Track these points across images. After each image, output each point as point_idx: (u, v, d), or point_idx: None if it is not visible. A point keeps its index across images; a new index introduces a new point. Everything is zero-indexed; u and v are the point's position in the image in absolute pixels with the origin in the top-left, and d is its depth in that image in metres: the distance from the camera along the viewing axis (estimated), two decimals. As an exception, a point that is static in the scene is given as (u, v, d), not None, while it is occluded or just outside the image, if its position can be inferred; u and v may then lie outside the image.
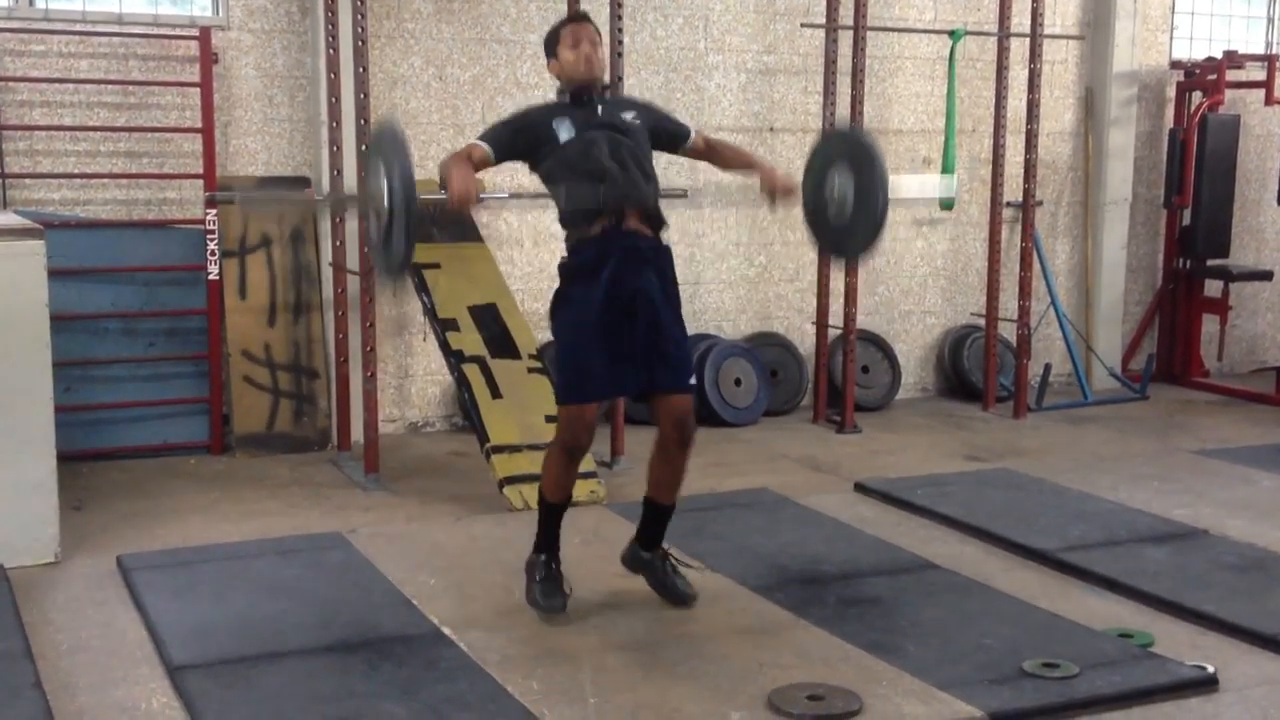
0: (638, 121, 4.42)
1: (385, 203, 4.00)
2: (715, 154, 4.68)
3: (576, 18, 4.57)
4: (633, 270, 4.23)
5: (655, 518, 4.52)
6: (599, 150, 4.24)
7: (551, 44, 4.42)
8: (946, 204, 7.50)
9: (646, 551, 4.54)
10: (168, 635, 4.14)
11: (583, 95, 4.36)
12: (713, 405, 7.40)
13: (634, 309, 4.21)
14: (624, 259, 4.22)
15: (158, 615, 4.31)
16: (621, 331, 4.21)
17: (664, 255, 4.35)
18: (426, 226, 6.63)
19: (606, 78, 4.70)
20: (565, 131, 4.29)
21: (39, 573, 4.80)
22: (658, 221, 4.37)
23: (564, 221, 4.35)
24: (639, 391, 4.35)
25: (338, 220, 6.38)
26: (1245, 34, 9.29)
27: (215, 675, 3.85)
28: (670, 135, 4.56)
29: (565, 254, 4.35)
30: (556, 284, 4.36)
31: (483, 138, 4.32)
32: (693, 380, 4.38)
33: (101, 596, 4.59)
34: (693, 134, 4.60)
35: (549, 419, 4.96)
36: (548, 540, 4.42)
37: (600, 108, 4.38)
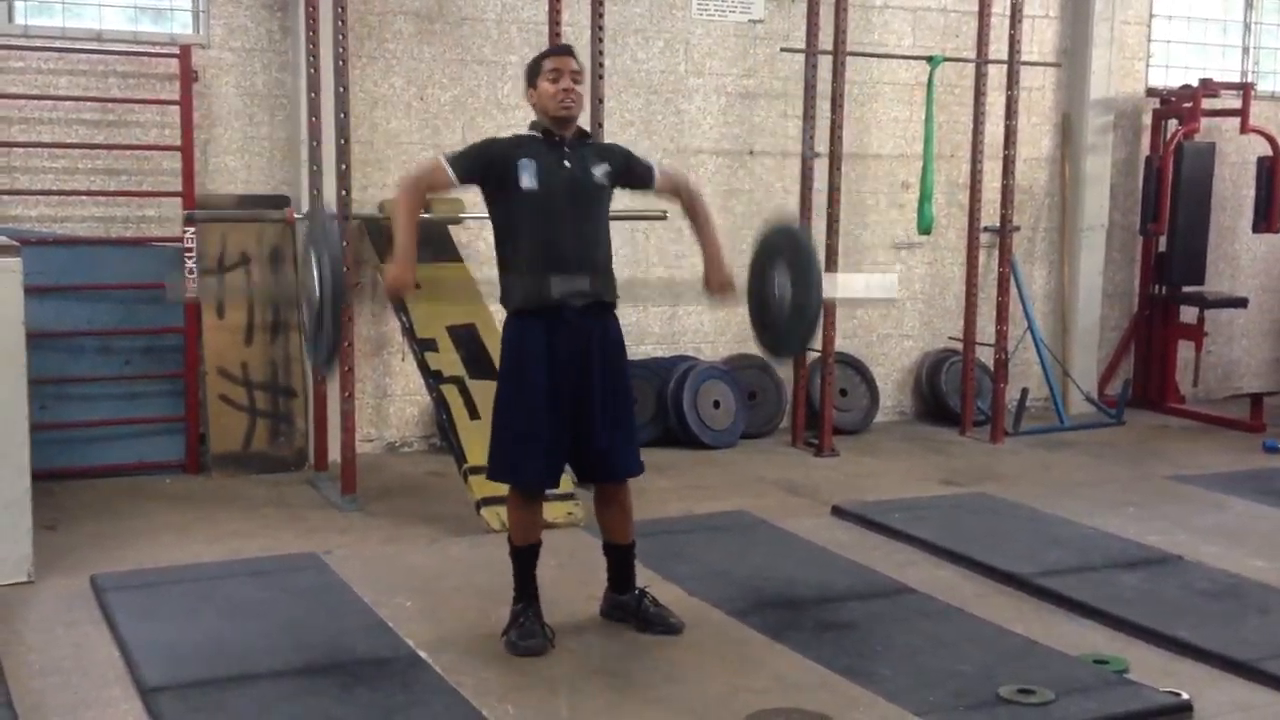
0: (605, 181, 4.29)
1: (316, 292, 4.08)
2: (682, 204, 4.58)
3: (560, 50, 4.42)
4: (575, 360, 4.20)
5: (619, 560, 4.53)
6: (558, 233, 4.17)
7: (532, 73, 4.28)
8: (924, 228, 7.54)
9: (622, 595, 4.52)
10: (140, 657, 4.12)
11: (555, 135, 4.25)
12: (690, 427, 7.41)
13: (578, 396, 4.22)
14: (567, 346, 4.19)
15: (130, 636, 4.29)
16: (565, 423, 4.23)
17: (609, 328, 4.32)
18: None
19: (587, 105, 4.60)
20: (528, 177, 4.16)
21: (12, 592, 4.77)
22: (607, 296, 4.32)
23: (506, 286, 4.27)
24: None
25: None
26: (1221, 62, 9.38)
27: (187, 698, 3.83)
28: (639, 181, 4.46)
29: (509, 312, 4.29)
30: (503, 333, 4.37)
31: (449, 160, 4.23)
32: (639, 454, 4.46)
33: (74, 617, 4.56)
34: (656, 175, 4.46)
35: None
36: (524, 588, 4.35)
37: (570, 156, 4.24)
